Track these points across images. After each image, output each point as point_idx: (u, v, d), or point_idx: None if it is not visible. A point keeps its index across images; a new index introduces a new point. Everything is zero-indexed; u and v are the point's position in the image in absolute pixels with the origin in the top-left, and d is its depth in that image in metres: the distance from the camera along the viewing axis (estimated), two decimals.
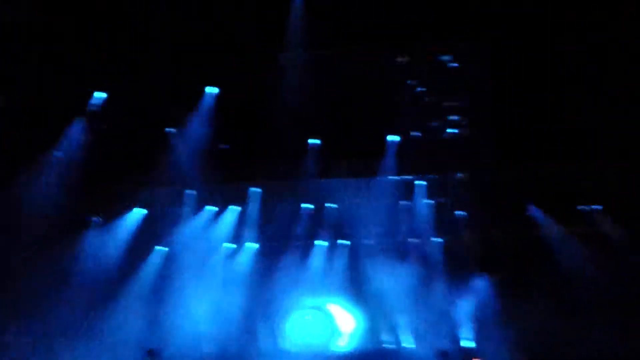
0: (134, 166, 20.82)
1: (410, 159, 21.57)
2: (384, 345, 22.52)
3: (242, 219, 22.74)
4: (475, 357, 20.61)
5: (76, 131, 20.39)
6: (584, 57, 18.33)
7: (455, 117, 21.10)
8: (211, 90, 20.77)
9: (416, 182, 22.29)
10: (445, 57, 20.29)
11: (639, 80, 18.36)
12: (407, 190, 22.49)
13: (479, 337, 22.12)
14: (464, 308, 22.34)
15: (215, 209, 22.79)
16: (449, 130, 21.53)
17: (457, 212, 22.50)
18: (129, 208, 22.00)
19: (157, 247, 22.44)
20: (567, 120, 19.69)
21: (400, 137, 21.34)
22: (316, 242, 23.01)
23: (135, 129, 20.70)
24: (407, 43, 20.33)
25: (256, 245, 23.08)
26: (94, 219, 21.89)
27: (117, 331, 21.03)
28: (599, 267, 20.62)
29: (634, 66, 18.29)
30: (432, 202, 22.51)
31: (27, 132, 19.36)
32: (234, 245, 23.03)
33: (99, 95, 20.14)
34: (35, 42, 18.81)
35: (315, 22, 19.79)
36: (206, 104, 20.75)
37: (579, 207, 21.57)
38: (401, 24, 19.62)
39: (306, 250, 23.12)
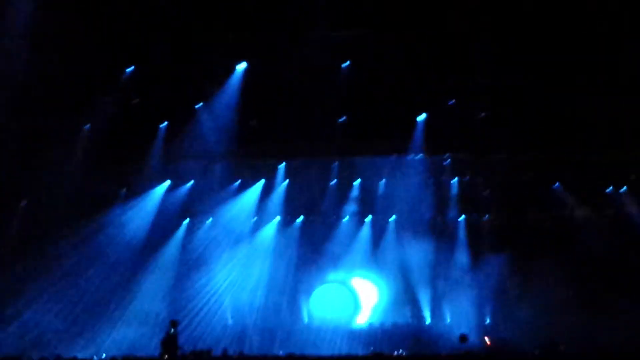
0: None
1: (439, 139, 21.49)
2: (405, 320, 23.01)
3: (268, 194, 22.77)
4: (486, 336, 20.86)
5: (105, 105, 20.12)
6: None
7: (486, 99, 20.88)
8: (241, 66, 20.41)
9: (445, 161, 22.30)
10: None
11: None
12: (435, 169, 22.50)
13: (497, 315, 22.75)
14: (485, 285, 22.73)
15: (240, 182, 22.79)
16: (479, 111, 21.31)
17: (484, 191, 22.81)
18: (155, 181, 22.11)
19: (184, 220, 22.76)
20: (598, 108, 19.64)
21: (429, 116, 21.17)
22: (342, 217, 23.31)
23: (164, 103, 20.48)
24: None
25: (278, 218, 23.31)
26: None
27: (143, 302, 21.31)
28: (623, 249, 21.15)
29: None
30: (460, 180, 22.71)
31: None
32: (259, 219, 23.15)
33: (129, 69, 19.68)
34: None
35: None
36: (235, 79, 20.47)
37: (607, 190, 21.86)
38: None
39: (332, 225, 23.41)
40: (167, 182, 22.20)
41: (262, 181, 22.69)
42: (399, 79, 19.90)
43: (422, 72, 19.79)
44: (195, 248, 22.66)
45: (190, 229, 22.82)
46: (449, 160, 22.29)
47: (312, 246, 23.03)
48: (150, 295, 21.42)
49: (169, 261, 22.27)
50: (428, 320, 22.91)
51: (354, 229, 23.37)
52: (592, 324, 19.96)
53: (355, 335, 22.00)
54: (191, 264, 22.54)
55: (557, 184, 22.29)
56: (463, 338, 19.28)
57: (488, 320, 22.75)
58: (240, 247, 22.63)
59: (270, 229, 23.07)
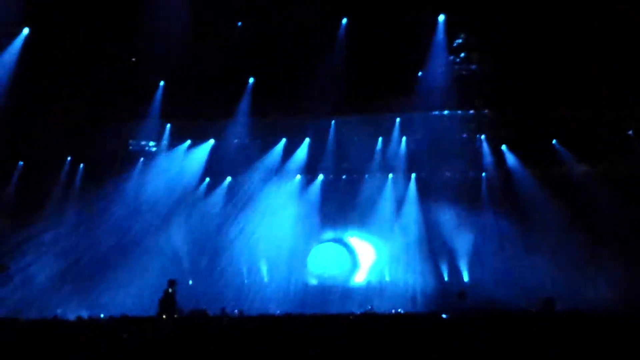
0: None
1: (438, 95, 21.30)
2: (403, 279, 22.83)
3: (266, 154, 22.67)
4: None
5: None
6: None
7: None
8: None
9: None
10: None
11: None
12: (431, 125, 22.30)
13: (494, 273, 22.75)
14: (482, 243, 22.74)
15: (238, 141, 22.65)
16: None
17: (484, 148, 22.79)
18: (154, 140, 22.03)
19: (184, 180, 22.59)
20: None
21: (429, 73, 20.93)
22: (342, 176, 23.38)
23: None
24: None
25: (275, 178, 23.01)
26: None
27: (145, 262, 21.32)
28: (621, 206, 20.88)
29: None
30: (459, 137, 22.54)
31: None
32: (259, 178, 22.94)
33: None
34: None
35: None
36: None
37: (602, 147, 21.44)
38: None
39: (332, 184, 23.34)
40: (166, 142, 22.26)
41: (259, 141, 22.66)
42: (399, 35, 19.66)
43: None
44: (196, 207, 22.69)
45: (191, 189, 22.76)
46: (446, 117, 22.28)
47: (312, 204, 22.90)
48: (152, 255, 21.41)
49: (171, 221, 22.26)
50: (426, 279, 22.76)
51: (355, 188, 23.23)
52: (590, 282, 20.21)
53: (353, 293, 22.15)
54: (192, 223, 22.54)
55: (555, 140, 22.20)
56: (461, 294, 19.38)
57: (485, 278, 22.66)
58: (240, 207, 22.51)
59: (271, 188, 22.85)
